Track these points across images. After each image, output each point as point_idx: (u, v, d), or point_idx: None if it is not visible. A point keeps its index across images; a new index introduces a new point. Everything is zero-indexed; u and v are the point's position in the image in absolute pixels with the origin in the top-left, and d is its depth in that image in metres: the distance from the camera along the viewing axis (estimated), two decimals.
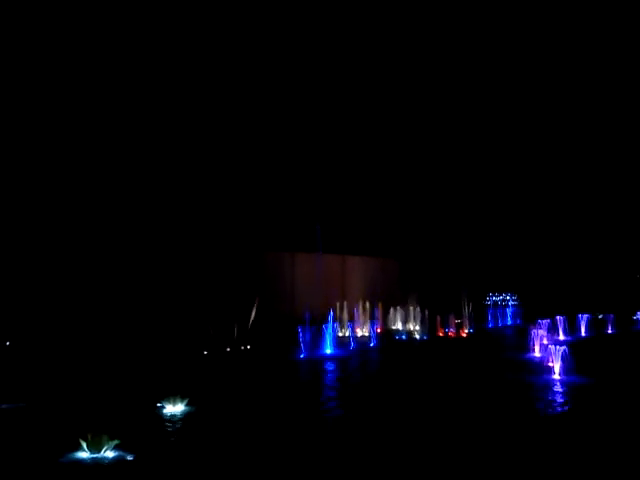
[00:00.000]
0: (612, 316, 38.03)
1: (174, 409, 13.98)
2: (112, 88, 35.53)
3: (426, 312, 34.99)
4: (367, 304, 36.00)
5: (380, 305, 36.72)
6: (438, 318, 34.31)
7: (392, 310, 38.22)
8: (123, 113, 35.83)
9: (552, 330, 30.37)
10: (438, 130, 52.20)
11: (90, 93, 34.91)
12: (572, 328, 34.29)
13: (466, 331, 35.69)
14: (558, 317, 33.24)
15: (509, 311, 44.86)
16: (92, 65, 35.15)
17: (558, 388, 17.27)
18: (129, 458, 10.39)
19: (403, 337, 32.75)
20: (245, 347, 26.58)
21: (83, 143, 34.00)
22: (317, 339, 26.74)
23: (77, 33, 34.49)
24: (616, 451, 10.83)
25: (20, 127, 32.48)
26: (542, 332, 26.54)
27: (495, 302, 50.12)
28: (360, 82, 47.73)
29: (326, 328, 26.68)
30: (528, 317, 37.11)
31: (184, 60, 38.90)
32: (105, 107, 35.11)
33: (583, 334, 34.65)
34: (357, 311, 35.41)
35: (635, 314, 45.50)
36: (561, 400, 15.73)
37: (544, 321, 31.02)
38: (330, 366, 22.80)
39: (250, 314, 29.29)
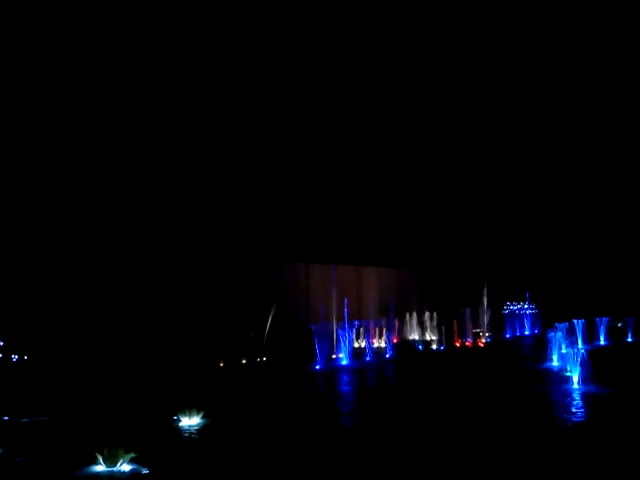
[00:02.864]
0: (632, 320, 37.12)
1: (190, 422, 14.04)
2: (113, 90, 35.51)
3: (443, 322, 34.77)
4: (383, 314, 35.89)
5: (396, 315, 36.56)
6: (455, 328, 34.07)
7: (408, 320, 38.04)
8: (147, 118, 35.79)
9: (570, 336, 29.86)
10: (456, 139, 51.97)
11: (89, 94, 34.95)
12: (591, 335, 33.75)
13: (483, 341, 35.38)
14: (576, 321, 32.70)
15: (527, 320, 44.36)
16: (91, 65, 35.24)
17: (576, 398, 17.04)
18: (145, 472, 10.44)
19: (420, 347, 32.57)
20: (261, 358, 26.62)
21: (99, 150, 34.05)
22: (333, 350, 26.71)
23: (76, 32, 34.63)
24: (634, 464, 10.65)
25: (20, 128, 32.60)
26: (560, 339, 26.16)
27: (513, 311, 49.50)
28: (376, 91, 47.70)
29: (342, 339, 26.65)
30: (546, 323, 36.53)
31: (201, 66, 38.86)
32: (114, 110, 35.06)
33: (602, 342, 34.14)
34: (373, 321, 35.30)
35: None
36: (579, 411, 15.51)
37: (562, 325, 30.57)
38: (346, 378, 22.73)
39: (265, 325, 29.38)
